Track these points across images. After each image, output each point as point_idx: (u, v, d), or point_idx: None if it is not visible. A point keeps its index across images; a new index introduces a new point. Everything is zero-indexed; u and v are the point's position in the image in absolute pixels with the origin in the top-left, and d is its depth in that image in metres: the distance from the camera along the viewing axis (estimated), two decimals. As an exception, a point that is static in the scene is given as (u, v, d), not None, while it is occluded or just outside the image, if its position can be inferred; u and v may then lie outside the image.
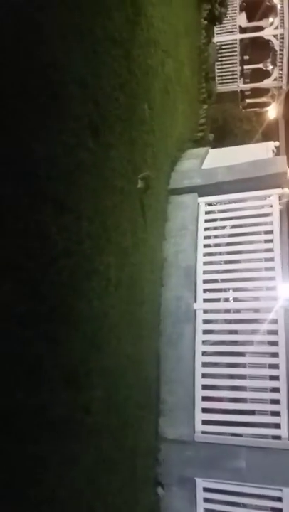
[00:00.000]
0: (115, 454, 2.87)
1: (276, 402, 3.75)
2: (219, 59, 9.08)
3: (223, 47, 9.16)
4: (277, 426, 3.69)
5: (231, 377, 4.01)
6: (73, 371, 2.16)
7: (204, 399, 3.91)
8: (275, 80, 9.13)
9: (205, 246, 4.45)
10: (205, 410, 3.89)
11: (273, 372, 3.81)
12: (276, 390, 3.77)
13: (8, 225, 1.70)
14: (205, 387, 3.93)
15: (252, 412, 3.95)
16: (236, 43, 9.15)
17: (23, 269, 1.78)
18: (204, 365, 3.98)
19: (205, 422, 3.85)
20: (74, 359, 2.18)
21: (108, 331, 2.69)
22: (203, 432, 3.83)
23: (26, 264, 1.81)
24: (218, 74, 9.15)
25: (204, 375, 3.95)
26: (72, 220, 2.29)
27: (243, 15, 9.48)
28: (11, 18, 1.72)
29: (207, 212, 4.61)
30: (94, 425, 2.46)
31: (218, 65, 9.10)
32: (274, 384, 3.79)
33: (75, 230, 2.31)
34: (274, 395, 3.78)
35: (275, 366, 3.79)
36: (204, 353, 4.02)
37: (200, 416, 3.86)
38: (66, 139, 2.19)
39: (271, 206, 4.38)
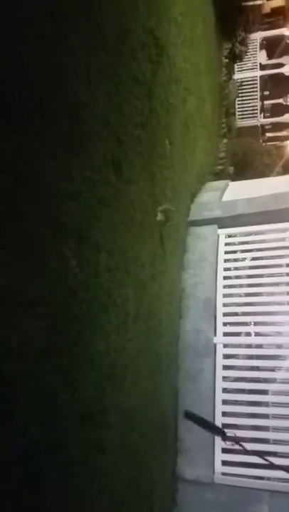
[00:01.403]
0: (131, 495, 2.76)
1: (300, 443, 3.57)
2: (240, 95, 9.30)
3: (243, 83, 9.40)
4: (302, 470, 3.49)
5: (253, 416, 3.85)
6: (89, 408, 2.12)
7: (224, 438, 3.75)
8: (295, 114, 9.26)
9: (225, 278, 4.40)
10: (225, 450, 3.73)
11: (297, 411, 3.66)
12: (300, 430, 3.60)
13: (30, 259, 1.73)
14: (226, 426, 3.78)
15: (275, 454, 3.77)
16: (256, 80, 9.38)
17: (43, 303, 1.79)
18: (224, 402, 3.85)
19: (225, 463, 3.69)
20: (90, 396, 2.15)
21: (125, 366, 2.65)
22: (224, 474, 3.66)
23: (47, 298, 1.82)
24: (239, 109, 9.34)
25: (225, 414, 3.82)
26: (92, 253, 2.31)
27: (263, 52, 9.76)
28: (40, 62, 1.81)
29: (227, 244, 4.59)
30: (109, 465, 2.38)
31: (238, 100, 9.31)
32: (298, 424, 3.63)
33: (94, 262, 2.33)
34: (298, 437, 3.61)
35: (299, 405, 3.64)
36: (225, 390, 3.89)
37: (220, 456, 3.70)
38: (89, 175, 2.25)
39: (293, 239, 4.34)
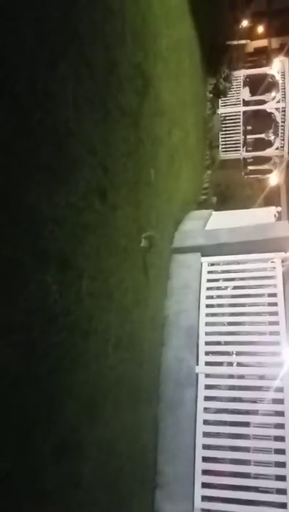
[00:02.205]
0: (107, 533, 2.63)
1: (282, 478, 3.49)
2: (223, 129, 9.60)
3: (227, 118, 9.73)
4: (284, 506, 3.40)
5: (234, 449, 3.77)
6: (65, 440, 2.04)
7: (205, 472, 3.65)
8: (276, 149, 9.59)
9: (207, 306, 4.41)
10: (205, 485, 3.62)
11: (279, 445, 3.59)
12: (282, 464, 3.53)
13: (9, 284, 1.70)
14: (206, 459, 3.69)
15: (256, 489, 3.68)
16: (240, 115, 9.72)
17: (21, 329, 1.75)
18: (205, 435, 3.76)
19: (205, 498, 3.57)
20: (66, 427, 2.07)
21: (104, 395, 2.58)
22: (203, 510, 3.54)
23: (25, 323, 1.78)
24: (222, 142, 9.63)
25: (205, 446, 3.73)
26: (74, 279, 2.29)
27: (247, 89, 10.17)
28: (29, 89, 1.84)
29: (210, 272, 4.62)
30: (84, 499, 2.27)
31: (222, 134, 9.61)
32: (279, 458, 3.56)
33: (76, 288, 2.30)
34: (280, 471, 3.53)
35: (281, 439, 3.58)
36: (206, 422, 3.81)
37: (200, 491, 3.59)
38: (75, 202, 2.25)
39: (274, 269, 4.40)
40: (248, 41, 11.88)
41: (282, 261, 4.41)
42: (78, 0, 2.35)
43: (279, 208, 5.61)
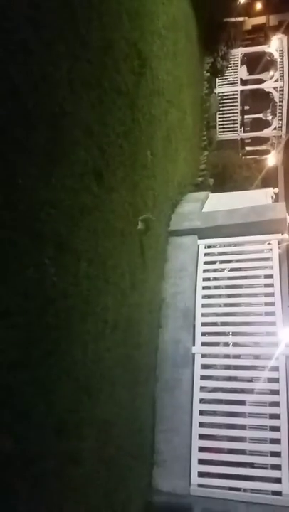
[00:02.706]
0: (105, 508, 2.71)
1: (277, 454, 3.59)
2: (221, 109, 9.47)
3: (224, 97, 9.58)
4: (278, 481, 3.51)
5: (230, 427, 3.85)
6: (64, 420, 2.08)
7: (201, 449, 3.75)
8: (274, 129, 9.47)
9: (204, 288, 4.43)
10: (202, 462, 3.72)
11: (274, 422, 3.68)
12: (277, 441, 3.62)
13: (7, 267, 1.71)
14: (202, 436, 3.78)
15: (251, 465, 3.78)
16: (237, 94, 9.57)
17: (18, 312, 1.76)
18: (202, 413, 3.85)
19: (202, 475, 3.67)
20: (65, 407, 2.11)
21: (102, 376, 2.62)
22: (200, 485, 3.64)
23: (22, 306, 1.79)
24: (219, 123, 9.51)
25: (202, 424, 3.81)
26: (72, 262, 2.29)
27: (244, 68, 9.98)
28: (24, 71, 1.81)
29: (207, 254, 4.64)
30: (83, 477, 2.34)
31: (219, 114, 9.48)
32: (274, 435, 3.65)
33: (73, 271, 2.31)
34: (274, 447, 3.63)
35: (276, 416, 3.67)
36: (202, 401, 3.89)
37: (196, 468, 3.69)
38: (71, 184, 2.24)
39: (271, 251, 4.41)
40: (246, 18, 11.59)
41: (279, 242, 4.43)
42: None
43: (276, 190, 5.59)
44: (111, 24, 2.89)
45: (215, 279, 4.60)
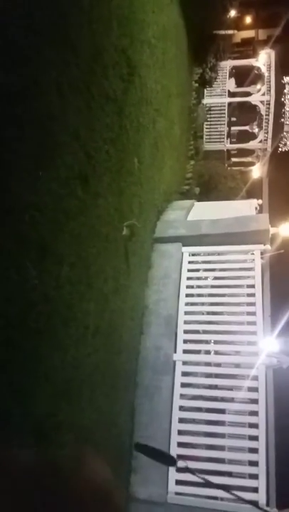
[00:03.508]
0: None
1: (254, 464, 3.61)
2: (208, 119, 9.60)
3: (212, 108, 9.72)
4: (255, 490, 3.52)
5: (209, 435, 3.86)
6: (41, 426, 2.05)
7: (179, 457, 3.73)
8: (260, 142, 9.66)
9: (187, 295, 4.45)
10: (179, 469, 3.69)
11: (252, 431, 3.70)
12: (255, 451, 3.64)
13: (-12, 269, 1.69)
14: (181, 444, 3.77)
15: (230, 474, 3.79)
16: (225, 106, 9.74)
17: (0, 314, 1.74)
18: (181, 420, 3.84)
19: (179, 482, 3.66)
20: (43, 413, 2.08)
21: (81, 382, 2.60)
22: (177, 493, 3.63)
23: (3, 308, 1.77)
24: (206, 133, 9.64)
25: (181, 432, 3.81)
26: (54, 265, 2.28)
27: (232, 80, 10.17)
28: (13, 75, 1.81)
29: (190, 262, 4.67)
30: (59, 485, 2.30)
31: (206, 124, 9.61)
32: (253, 444, 3.67)
33: (55, 274, 2.30)
34: (252, 456, 3.64)
35: (255, 426, 3.69)
36: (181, 408, 3.89)
37: (174, 475, 3.67)
38: (56, 188, 2.24)
39: (253, 261, 4.47)
40: (236, 31, 11.82)
41: (261, 253, 4.49)
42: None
43: (260, 201, 5.68)
44: (101, 30, 2.92)
45: (198, 286, 4.63)
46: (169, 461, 2.49)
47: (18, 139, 1.87)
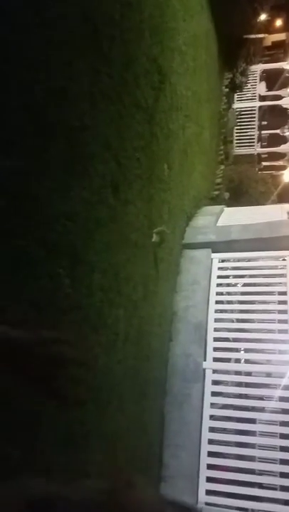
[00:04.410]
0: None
1: (286, 476, 3.51)
2: (238, 124, 9.50)
3: (242, 113, 9.61)
4: (287, 503, 3.42)
5: (240, 445, 3.79)
6: (72, 432, 2.07)
7: (210, 467, 3.69)
8: (292, 145, 9.46)
9: (217, 302, 4.40)
10: (210, 479, 3.66)
11: (284, 442, 3.61)
12: (287, 462, 3.55)
13: (21, 278, 1.73)
14: (211, 454, 3.72)
15: (260, 485, 3.70)
16: (255, 110, 9.60)
17: (33, 323, 1.77)
18: (211, 430, 3.79)
19: (209, 493, 3.60)
20: (73, 419, 2.11)
21: (110, 389, 2.61)
22: (207, 504, 3.57)
23: (37, 317, 1.81)
24: (237, 137, 9.54)
25: (211, 441, 3.75)
26: (86, 273, 2.31)
27: (263, 84, 10.03)
28: (42, 87, 1.86)
29: (220, 268, 4.61)
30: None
31: (236, 129, 9.51)
32: (285, 456, 3.57)
33: (87, 282, 2.33)
34: (284, 468, 3.55)
35: (287, 436, 3.59)
36: (212, 417, 3.84)
37: (204, 485, 3.62)
38: (88, 196, 2.27)
39: (285, 267, 4.37)
40: (266, 35, 11.67)
41: (294, 259, 4.38)
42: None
43: (292, 206, 5.55)
44: (133, 41, 2.95)
45: (228, 293, 4.57)
46: None
47: (49, 149, 1.91)
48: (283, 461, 3.59)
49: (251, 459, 3.74)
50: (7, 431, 1.61)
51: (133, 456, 3.05)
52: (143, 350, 3.37)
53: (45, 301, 1.88)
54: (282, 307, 4.15)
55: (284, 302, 4.16)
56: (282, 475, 3.56)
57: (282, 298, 4.21)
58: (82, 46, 2.19)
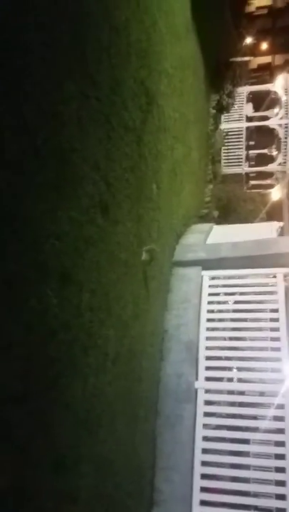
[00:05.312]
0: None
1: (281, 497, 3.45)
2: (226, 144, 9.68)
3: (230, 133, 9.81)
4: (283, 526, 3.35)
5: (234, 466, 3.72)
6: (62, 456, 2.03)
7: (203, 490, 3.60)
8: (279, 164, 9.64)
9: (208, 320, 4.38)
10: (204, 503, 3.57)
11: (279, 463, 3.55)
12: (282, 483, 3.48)
13: (9, 298, 1.71)
14: (204, 476, 3.64)
15: (256, 508, 3.62)
16: (242, 130, 9.81)
17: (21, 344, 1.75)
18: (204, 451, 3.72)
19: (203, 518, 3.51)
20: (64, 443, 2.06)
21: (102, 411, 2.56)
22: (201, 529, 3.48)
23: (25, 338, 1.79)
24: (225, 157, 9.70)
25: (204, 463, 3.68)
26: (74, 293, 2.30)
27: (250, 105, 10.27)
28: (35, 109, 1.88)
29: (211, 286, 4.61)
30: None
31: (224, 149, 9.68)
32: (280, 477, 3.51)
33: (76, 302, 2.31)
34: (279, 489, 3.48)
35: (282, 457, 3.54)
36: (205, 438, 3.77)
37: (198, 509, 3.53)
38: (77, 216, 2.28)
39: (276, 284, 4.39)
40: (252, 58, 12.03)
41: (284, 276, 4.41)
42: (86, 22, 2.42)
43: (281, 223, 5.63)
44: (120, 64, 3.02)
45: (219, 311, 4.56)
46: None
47: (39, 170, 1.92)
48: (278, 483, 3.53)
49: (246, 480, 3.67)
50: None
51: (124, 480, 2.97)
52: (134, 370, 3.33)
53: (33, 321, 1.86)
54: (274, 325, 4.15)
55: (276, 320, 4.16)
56: (278, 497, 3.49)
57: (273, 315, 4.21)
58: (71, 71, 2.23)
